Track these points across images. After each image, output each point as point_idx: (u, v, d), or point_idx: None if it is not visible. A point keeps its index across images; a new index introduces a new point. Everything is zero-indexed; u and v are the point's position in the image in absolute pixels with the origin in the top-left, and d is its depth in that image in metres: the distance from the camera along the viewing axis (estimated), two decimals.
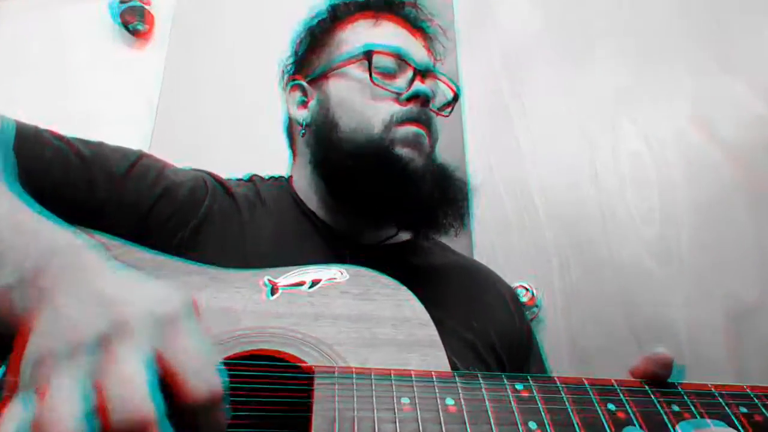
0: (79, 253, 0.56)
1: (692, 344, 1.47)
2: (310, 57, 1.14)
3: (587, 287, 1.56)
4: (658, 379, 0.71)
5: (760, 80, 1.68)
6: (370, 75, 0.99)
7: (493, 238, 1.64)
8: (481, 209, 1.66)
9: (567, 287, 1.57)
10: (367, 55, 1.01)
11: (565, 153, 1.70)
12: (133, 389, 0.44)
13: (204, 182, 0.98)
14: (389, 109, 0.99)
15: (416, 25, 1.14)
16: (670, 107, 1.71)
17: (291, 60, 1.19)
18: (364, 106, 1.00)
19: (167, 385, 0.47)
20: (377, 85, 1.00)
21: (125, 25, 1.95)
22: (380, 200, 0.94)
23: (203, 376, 0.48)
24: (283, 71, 1.21)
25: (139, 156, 0.94)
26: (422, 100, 1.00)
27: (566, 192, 1.66)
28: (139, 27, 1.94)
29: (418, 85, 1.00)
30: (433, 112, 1.05)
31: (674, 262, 1.55)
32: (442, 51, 1.20)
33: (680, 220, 1.59)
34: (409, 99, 1.00)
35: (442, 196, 0.98)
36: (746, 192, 1.59)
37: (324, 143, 1.02)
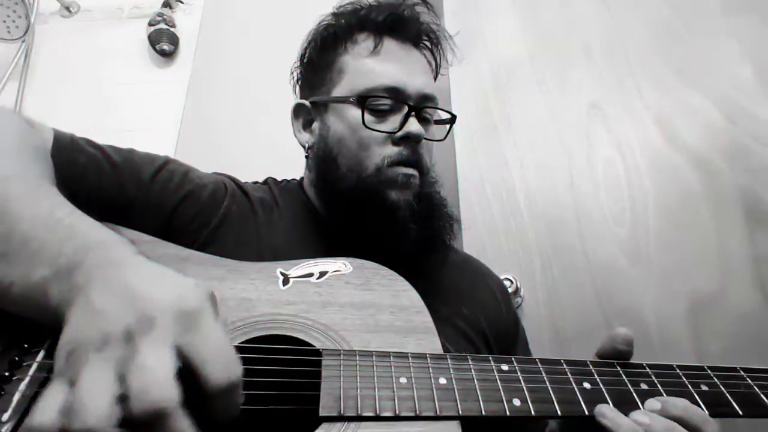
0: (110, 249, 0.57)
1: (660, 332, 1.48)
2: (312, 76, 1.09)
3: (566, 282, 1.57)
4: (621, 357, 0.72)
5: (716, 92, 1.70)
6: (363, 121, 0.95)
7: (483, 238, 1.64)
8: (471, 213, 1.68)
9: (548, 282, 1.58)
10: (360, 102, 0.96)
11: (546, 161, 1.71)
12: (154, 380, 0.44)
13: (224, 185, 0.98)
14: (381, 151, 0.95)
15: (420, 39, 1.06)
16: (638, 118, 1.72)
17: (298, 70, 1.14)
18: (358, 148, 0.96)
19: (189, 373, 0.48)
20: (370, 129, 0.95)
21: (153, 46, 1.95)
22: (372, 233, 0.93)
23: (222, 365, 0.49)
24: (292, 74, 1.16)
25: (166, 161, 0.93)
26: (413, 140, 0.96)
27: (547, 196, 1.67)
28: (166, 48, 1.95)
29: (410, 126, 0.95)
30: (427, 139, 1.00)
31: (643, 259, 1.56)
32: (451, 59, 1.14)
33: (649, 222, 1.60)
34: (401, 139, 0.95)
35: (425, 233, 0.95)
36: (707, 195, 1.60)
37: (325, 177, 1.01)
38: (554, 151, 1.72)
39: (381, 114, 0.97)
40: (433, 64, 1.11)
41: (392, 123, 0.97)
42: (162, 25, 1.95)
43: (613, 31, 1.85)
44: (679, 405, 0.65)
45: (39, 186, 0.65)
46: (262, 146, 1.75)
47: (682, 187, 1.62)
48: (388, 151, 0.95)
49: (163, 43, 1.95)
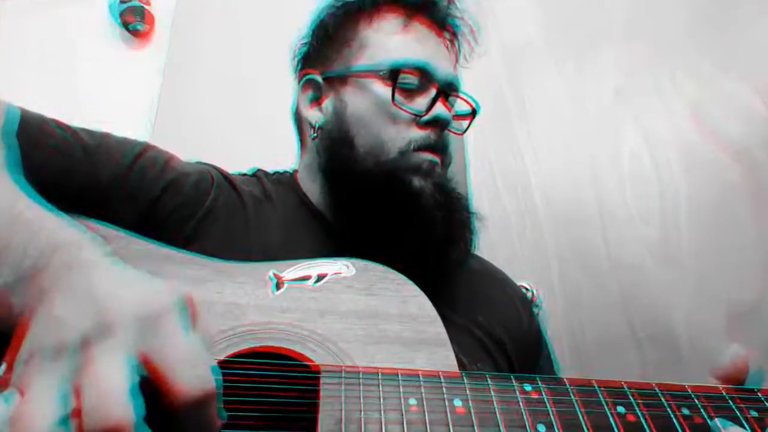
0: (78, 249, 0.55)
1: (692, 344, 1.47)
2: (327, 49, 1.08)
3: (587, 288, 1.55)
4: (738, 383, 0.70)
5: (758, 79, 1.68)
6: (393, 97, 0.95)
7: (494, 238, 1.63)
8: (480, 210, 1.65)
9: (567, 288, 1.56)
10: (393, 75, 0.96)
11: (565, 153, 1.70)
12: (108, 394, 0.43)
13: (209, 175, 0.96)
14: (407, 133, 0.95)
15: (445, 26, 1.08)
16: (669, 107, 1.70)
17: (305, 43, 1.13)
18: (382, 128, 0.96)
19: (154, 385, 0.46)
20: (398, 107, 0.95)
21: (125, 25, 1.93)
22: (387, 224, 0.92)
23: (193, 374, 0.47)
24: (295, 53, 1.15)
25: (145, 147, 0.91)
26: (442, 125, 0.97)
27: (566, 192, 1.66)
28: (139, 27, 1.93)
29: (439, 110, 0.96)
30: (449, 130, 1.01)
31: (674, 262, 1.54)
32: (470, 52, 1.16)
33: (680, 221, 1.58)
34: (428, 123, 0.96)
35: (449, 227, 0.95)
36: (747, 191, 1.58)
37: (337, 158, 0.99)
38: (574, 141, 1.71)
39: (408, 93, 0.98)
40: (455, 55, 1.13)
41: (419, 104, 0.98)
42: (135, 2, 1.92)
43: (642, 8, 1.83)
44: None
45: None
46: (244, 135, 1.74)
47: (718, 183, 1.60)
48: (414, 134, 0.96)
49: (136, 22, 1.92)
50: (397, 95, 0.96)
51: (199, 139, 1.75)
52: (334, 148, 1.00)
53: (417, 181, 0.93)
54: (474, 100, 1.10)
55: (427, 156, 0.95)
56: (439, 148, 0.97)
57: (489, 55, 1.84)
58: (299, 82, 1.10)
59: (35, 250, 0.54)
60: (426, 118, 0.96)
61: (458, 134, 1.07)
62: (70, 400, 0.43)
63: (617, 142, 1.69)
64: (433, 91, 0.97)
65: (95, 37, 1.99)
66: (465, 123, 1.12)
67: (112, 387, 0.43)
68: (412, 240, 0.90)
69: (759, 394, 0.68)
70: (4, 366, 0.55)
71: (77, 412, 0.43)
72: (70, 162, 0.81)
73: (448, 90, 1.00)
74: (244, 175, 1.07)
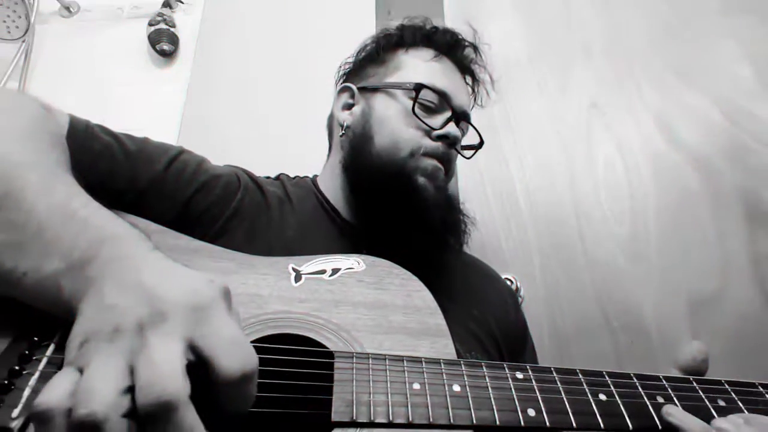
0: (124, 243, 0.56)
1: (660, 332, 1.47)
2: (367, 67, 1.13)
3: (565, 281, 1.55)
4: (699, 373, 0.69)
5: (716, 92, 1.68)
6: (414, 107, 0.99)
7: (483, 237, 1.62)
8: (471, 211, 1.65)
9: (548, 281, 1.55)
10: (417, 88, 1.00)
11: (546, 161, 1.69)
12: (163, 372, 0.43)
13: (237, 177, 0.96)
14: (420, 141, 0.99)
15: (469, 71, 1.17)
16: (638, 118, 1.70)
17: (349, 63, 1.19)
18: (400, 129, 0.99)
19: (202, 366, 0.46)
20: (416, 117, 0.99)
21: (153, 46, 1.92)
22: (393, 216, 0.94)
23: (239, 356, 0.47)
24: (340, 68, 1.22)
25: (180, 152, 0.92)
26: (451, 141, 1.00)
27: (547, 196, 1.65)
28: (166, 48, 1.92)
29: (451, 128, 1.00)
30: (456, 151, 1.05)
31: (643, 258, 1.54)
32: (486, 99, 1.24)
33: (648, 221, 1.58)
34: (440, 137, 0.99)
35: (445, 224, 0.98)
36: (707, 194, 1.58)
37: (357, 151, 1.02)
38: (554, 151, 1.70)
39: (426, 109, 1.02)
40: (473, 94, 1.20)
41: (435, 122, 1.01)
42: (162, 25, 1.91)
43: (613, 31, 1.83)
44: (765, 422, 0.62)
45: (55, 174, 0.62)
46: (262, 146, 1.73)
47: (682, 187, 1.60)
48: (426, 142, 0.99)
49: (163, 43, 1.91)
50: (417, 108, 0.99)
51: (219, 148, 1.74)
52: (356, 143, 1.02)
53: (421, 180, 0.96)
54: (479, 134, 1.15)
55: (434, 162, 0.98)
56: (446, 159, 1.00)
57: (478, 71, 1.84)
58: (337, 86, 1.15)
59: (84, 242, 0.54)
60: (439, 132, 0.99)
61: (465, 158, 1.14)
62: (127, 378, 0.44)
63: (592, 151, 1.68)
64: (448, 113, 1.02)
65: (127, 57, 1.99)
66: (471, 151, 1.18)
67: (167, 366, 0.44)
68: (413, 227, 0.92)
69: (726, 385, 0.68)
70: (52, 347, 0.56)
71: (131, 389, 0.43)
72: (113, 164, 0.81)
73: (461, 117, 1.05)
74: (269, 177, 1.07)
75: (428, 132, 1.00)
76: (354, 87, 1.10)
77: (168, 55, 1.95)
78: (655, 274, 1.52)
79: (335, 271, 0.74)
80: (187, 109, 1.87)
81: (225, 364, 0.46)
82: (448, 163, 1.02)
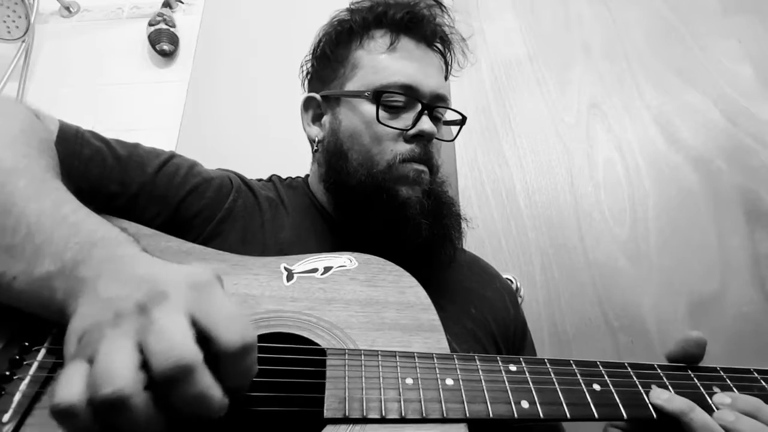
0: (115, 246, 0.55)
1: (659, 331, 1.47)
2: (325, 70, 1.07)
3: (565, 281, 1.55)
4: (693, 361, 0.69)
5: (716, 92, 1.69)
6: (377, 117, 0.94)
7: (483, 238, 1.63)
8: (471, 213, 1.66)
9: (548, 281, 1.56)
10: (376, 97, 0.95)
11: (546, 161, 1.70)
12: (175, 339, 0.44)
13: (229, 180, 0.96)
14: (394, 147, 0.94)
15: (434, 40, 1.05)
16: (638, 118, 1.71)
17: (310, 64, 1.12)
18: (371, 143, 0.95)
19: (203, 340, 0.47)
20: (383, 125, 0.94)
21: (153, 46, 1.94)
22: (381, 233, 0.91)
23: (239, 328, 0.48)
24: (302, 68, 1.15)
25: (171, 156, 0.92)
26: (426, 138, 0.95)
27: (547, 196, 1.66)
28: (166, 48, 1.93)
29: (423, 124, 0.94)
30: (438, 138, 0.99)
31: (643, 258, 1.55)
32: (463, 61, 1.13)
33: (648, 222, 1.58)
34: (413, 137, 0.94)
35: (434, 236, 0.93)
36: (707, 195, 1.59)
37: (335, 171, 0.98)
38: (554, 151, 1.71)
39: (394, 110, 0.96)
40: (445, 65, 1.10)
41: (405, 120, 0.96)
42: (162, 25, 1.92)
43: (613, 31, 1.84)
44: (753, 403, 0.62)
45: (44, 180, 0.63)
46: (262, 146, 1.74)
47: (682, 187, 1.60)
48: (400, 147, 0.94)
49: (163, 43, 1.92)
50: (382, 113, 0.94)
51: (219, 147, 1.76)
52: (332, 161, 0.99)
53: (404, 191, 0.92)
54: (460, 113, 1.07)
55: (413, 166, 0.94)
56: (424, 159, 0.95)
57: (478, 71, 1.85)
58: (302, 102, 1.09)
59: (76, 245, 0.54)
60: (411, 132, 0.94)
61: (447, 141, 1.04)
62: (138, 354, 0.44)
63: (592, 151, 1.69)
64: (418, 107, 0.95)
65: (127, 56, 2.00)
66: (455, 130, 1.09)
67: (179, 335, 0.45)
68: (400, 244, 0.89)
69: (721, 372, 0.69)
70: (43, 352, 0.56)
71: (148, 364, 0.43)
72: (104, 169, 0.81)
73: (434, 104, 0.98)
74: (261, 180, 1.07)
75: (401, 134, 0.95)
76: (318, 97, 1.06)
77: (168, 55, 1.96)
78: (655, 274, 1.53)
79: (327, 269, 0.74)
80: (187, 109, 1.88)
81: (226, 336, 0.47)
82: (429, 161, 0.96)
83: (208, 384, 0.45)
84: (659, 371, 0.67)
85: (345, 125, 0.99)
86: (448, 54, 1.10)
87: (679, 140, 1.65)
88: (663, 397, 0.62)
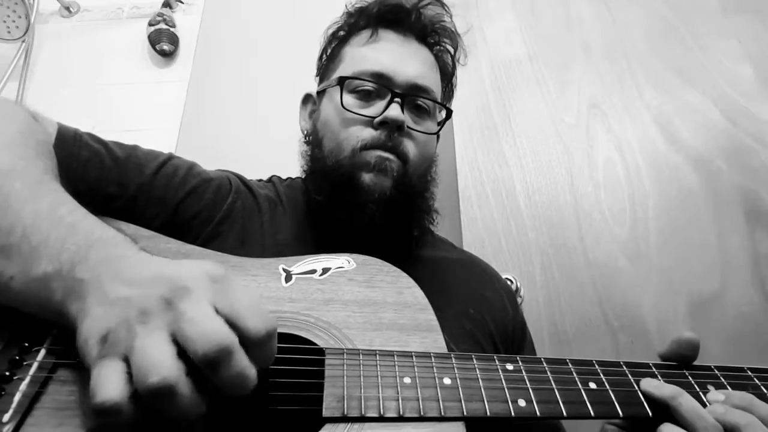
0: (113, 246, 0.56)
1: (660, 332, 1.47)
2: (324, 69, 1.11)
3: (565, 282, 1.55)
4: (685, 361, 0.70)
5: (716, 92, 1.69)
6: (341, 102, 0.95)
7: (483, 238, 1.63)
8: (471, 213, 1.66)
9: (548, 282, 1.56)
10: (339, 81, 0.96)
11: (546, 161, 1.70)
12: (210, 326, 0.46)
13: (228, 181, 0.96)
14: (360, 134, 0.93)
15: (426, 36, 1.06)
16: (638, 118, 1.71)
17: (318, 64, 1.16)
18: (339, 129, 0.95)
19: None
20: (348, 111, 0.94)
21: (153, 46, 1.94)
22: (342, 218, 0.91)
23: (262, 316, 0.49)
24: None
25: (169, 157, 0.92)
26: (392, 125, 0.93)
27: (547, 196, 1.66)
28: (166, 48, 1.93)
29: (390, 111, 0.92)
30: (415, 130, 0.97)
31: (643, 258, 1.55)
32: (459, 53, 1.13)
33: (648, 222, 1.59)
34: (380, 123, 0.93)
35: (394, 217, 0.92)
36: (707, 195, 1.59)
37: (311, 158, 1.01)
38: (554, 151, 1.71)
39: (365, 98, 0.97)
40: (441, 60, 1.10)
41: (377, 108, 0.96)
42: (162, 25, 1.93)
43: (613, 31, 1.84)
44: (746, 398, 0.62)
45: (41, 182, 0.63)
46: (262, 146, 1.75)
47: (682, 187, 1.61)
48: (365, 134, 0.94)
49: (163, 43, 1.93)
50: (350, 100, 0.96)
51: (219, 148, 1.77)
52: (311, 150, 1.02)
53: (367, 178, 0.91)
54: (443, 105, 1.07)
55: (376, 153, 0.92)
56: (389, 146, 0.93)
57: (478, 71, 1.85)
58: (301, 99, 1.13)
59: (73, 245, 0.54)
60: (377, 120, 0.93)
61: (427, 134, 1.00)
62: (174, 345, 0.46)
63: (592, 151, 1.69)
64: (389, 95, 0.95)
65: (127, 56, 2.01)
66: (442, 124, 1.09)
67: (214, 322, 0.47)
68: (358, 228, 0.89)
69: (715, 370, 0.69)
70: (43, 352, 0.56)
71: (181, 354, 0.45)
72: (102, 171, 0.82)
73: (410, 93, 0.97)
74: (260, 180, 1.07)
75: (369, 122, 0.94)
76: (313, 93, 1.10)
77: (168, 55, 1.97)
78: (655, 274, 1.53)
79: (325, 270, 0.74)
80: (187, 109, 1.89)
81: (252, 325, 0.48)
82: (395, 149, 0.93)
83: (246, 363, 0.47)
84: (654, 370, 0.68)
85: (323, 115, 1.01)
86: (441, 48, 1.10)
87: (679, 140, 1.66)
88: (653, 384, 0.63)
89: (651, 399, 0.63)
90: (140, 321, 0.47)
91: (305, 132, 1.08)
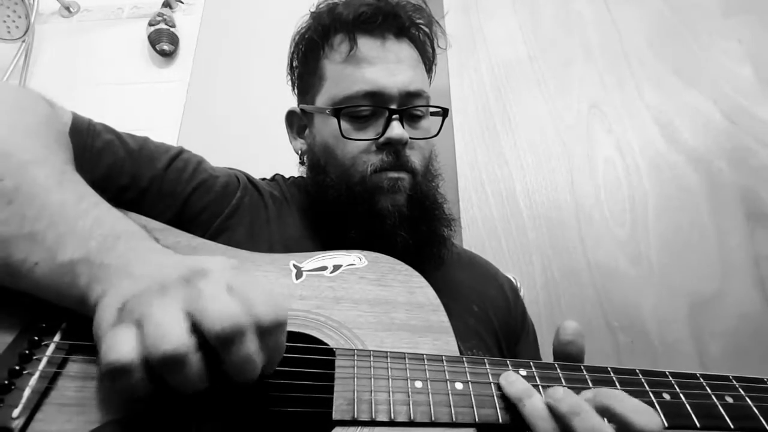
0: (140, 239, 0.57)
1: (660, 332, 1.46)
2: (300, 82, 1.06)
3: (565, 282, 1.54)
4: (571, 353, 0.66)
5: (716, 92, 1.68)
6: (341, 132, 0.91)
7: (483, 238, 1.62)
8: (471, 213, 1.65)
9: (548, 282, 1.55)
10: (335, 113, 0.91)
11: (546, 161, 1.69)
12: (227, 304, 0.46)
13: (236, 178, 0.95)
14: (366, 158, 0.90)
15: (403, 32, 0.98)
16: (638, 118, 1.70)
17: (289, 77, 1.10)
18: (344, 157, 0.92)
19: None
20: (350, 139, 0.91)
21: (153, 46, 1.92)
22: (373, 244, 0.84)
23: (272, 305, 0.49)
24: (289, 80, 1.11)
25: (180, 151, 0.91)
26: (396, 144, 0.90)
27: (547, 196, 1.65)
28: (166, 48, 1.91)
29: (392, 131, 0.89)
30: (416, 138, 0.94)
31: (643, 259, 1.54)
32: (442, 43, 1.06)
33: (648, 222, 1.58)
34: (384, 144, 0.90)
35: (409, 244, 0.89)
36: (707, 195, 1.58)
37: (316, 183, 0.97)
38: (554, 151, 1.70)
39: (362, 120, 0.93)
40: (419, 45, 1.03)
41: (376, 128, 0.92)
42: (162, 25, 1.91)
43: (613, 31, 1.83)
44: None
45: (64, 172, 0.62)
46: (262, 146, 1.72)
47: (682, 187, 1.60)
48: (372, 158, 0.91)
49: (163, 43, 1.91)
50: (348, 127, 0.92)
51: (219, 147, 1.75)
52: (313, 174, 0.98)
53: (382, 201, 0.90)
54: (439, 107, 1.01)
55: (388, 174, 0.90)
56: (397, 165, 0.91)
57: (478, 71, 1.84)
58: (285, 117, 1.09)
59: (100, 236, 0.54)
60: (380, 142, 0.91)
61: (428, 138, 0.98)
62: (188, 319, 0.46)
63: (592, 151, 1.68)
64: (387, 113, 0.91)
65: (127, 56, 1.99)
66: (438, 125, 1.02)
67: (230, 302, 0.47)
68: (382, 245, 0.83)
69: (734, 381, 0.66)
70: (53, 346, 0.55)
71: (195, 327, 0.46)
72: (116, 162, 0.80)
73: (406, 104, 0.93)
74: (264, 179, 1.06)
75: (373, 143, 0.91)
76: (298, 110, 1.05)
77: (168, 55, 1.95)
78: (655, 274, 1.52)
79: (336, 267, 0.72)
80: (187, 109, 1.87)
81: (263, 312, 0.48)
82: (401, 167, 0.91)
83: (256, 348, 0.47)
84: (671, 379, 0.64)
85: (319, 140, 0.97)
86: (422, 39, 1.03)
87: (679, 140, 1.64)
88: (509, 379, 0.59)
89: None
90: (159, 293, 0.47)
91: (299, 152, 1.05)
